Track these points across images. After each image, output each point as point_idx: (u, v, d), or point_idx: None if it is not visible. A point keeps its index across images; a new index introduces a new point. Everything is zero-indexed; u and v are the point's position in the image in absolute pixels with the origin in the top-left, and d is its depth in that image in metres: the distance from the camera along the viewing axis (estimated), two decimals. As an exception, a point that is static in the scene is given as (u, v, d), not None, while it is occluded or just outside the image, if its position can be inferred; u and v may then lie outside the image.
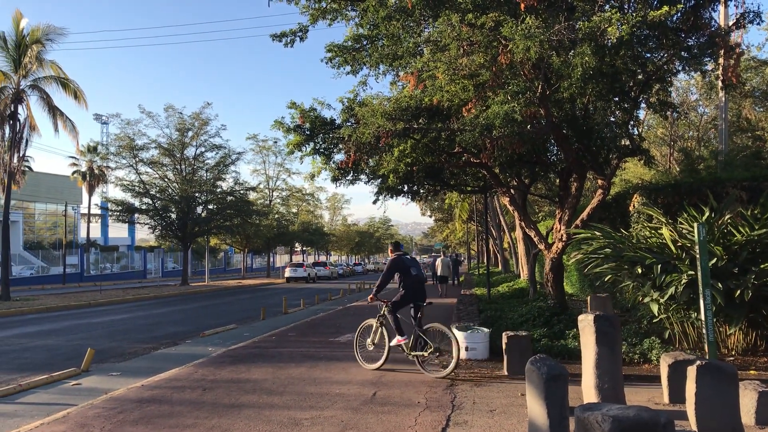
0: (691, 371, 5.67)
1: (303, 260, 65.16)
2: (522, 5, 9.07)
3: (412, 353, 9.36)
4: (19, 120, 27.86)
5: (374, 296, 10.00)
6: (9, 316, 21.43)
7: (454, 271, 32.92)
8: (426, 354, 9.16)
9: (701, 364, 5.65)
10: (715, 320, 8.22)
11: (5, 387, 9.02)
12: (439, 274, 28.54)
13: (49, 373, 10.09)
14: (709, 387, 5.55)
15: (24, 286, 42.30)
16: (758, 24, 10.82)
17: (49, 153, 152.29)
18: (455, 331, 10.62)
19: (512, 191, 16.64)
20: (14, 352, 12.98)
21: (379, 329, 9.81)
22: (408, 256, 10.18)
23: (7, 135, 27.65)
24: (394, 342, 9.60)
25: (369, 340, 9.91)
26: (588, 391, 6.78)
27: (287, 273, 50.85)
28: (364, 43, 12.70)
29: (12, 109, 27.46)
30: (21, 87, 27.92)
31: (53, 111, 29.03)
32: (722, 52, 10.56)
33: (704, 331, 7.50)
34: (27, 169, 41.49)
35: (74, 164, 58.95)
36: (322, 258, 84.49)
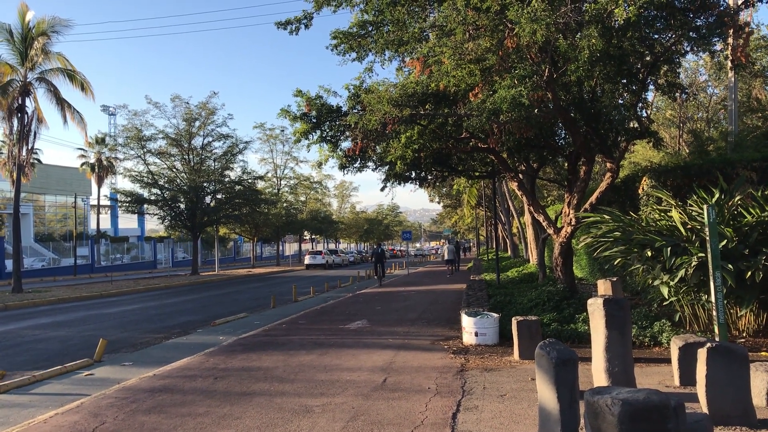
0: (702, 353, 5.65)
1: (312, 247, 66.75)
2: (528, -12, 8.99)
3: None
4: (27, 113, 27.92)
5: None
6: (22, 308, 21.61)
7: (457, 256, 37.42)
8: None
9: (712, 346, 5.63)
10: (725, 302, 8.19)
11: (19, 378, 9.12)
12: (446, 257, 34.86)
13: (62, 363, 10.19)
14: (720, 369, 5.53)
15: (36, 278, 42.61)
16: (768, 2, 10.67)
17: (58, 145, 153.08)
18: (465, 316, 10.64)
19: (520, 176, 16.59)
20: (28, 343, 13.11)
21: None
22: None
23: (15, 128, 27.72)
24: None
25: None
26: (598, 374, 6.78)
27: (307, 260, 53.55)
28: (370, 29, 12.64)
29: (20, 101, 27.52)
30: (28, 79, 27.94)
31: (61, 103, 29.08)
32: (731, 31, 10.45)
33: (715, 313, 7.47)
34: (36, 161, 41.61)
35: (83, 156, 59.00)
36: (331, 246, 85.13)
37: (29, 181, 30.65)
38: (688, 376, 6.88)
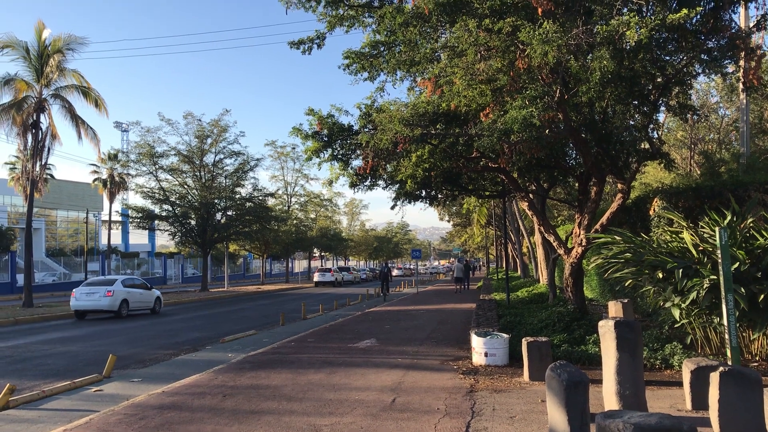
0: (714, 377, 5.60)
1: (322, 265, 67.07)
2: (539, 10, 9.03)
3: None
4: (41, 129, 28.24)
5: None
6: (32, 323, 21.69)
7: (466, 275, 38.14)
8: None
9: (724, 370, 5.58)
10: (738, 325, 8.12)
11: (29, 393, 9.14)
12: (455, 275, 37.16)
13: (71, 379, 10.21)
14: (733, 393, 5.48)
15: (46, 293, 42.80)
16: (779, 25, 10.65)
17: (71, 161, 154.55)
18: (474, 336, 10.60)
19: (531, 196, 16.57)
20: (37, 358, 13.14)
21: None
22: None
23: (29, 144, 28.02)
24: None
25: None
26: (609, 397, 6.73)
27: (316, 277, 53.36)
28: (381, 49, 12.71)
29: (34, 117, 27.84)
30: (43, 96, 28.30)
31: (76, 120, 29.40)
32: (743, 54, 10.44)
33: (727, 336, 7.40)
34: (49, 177, 42.00)
35: (95, 172, 59.36)
36: (340, 263, 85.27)
37: (42, 196, 30.91)
38: (700, 399, 6.81)
